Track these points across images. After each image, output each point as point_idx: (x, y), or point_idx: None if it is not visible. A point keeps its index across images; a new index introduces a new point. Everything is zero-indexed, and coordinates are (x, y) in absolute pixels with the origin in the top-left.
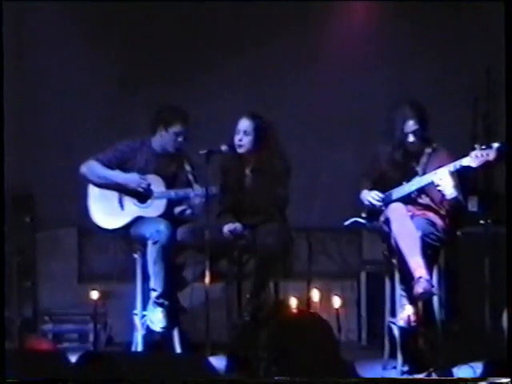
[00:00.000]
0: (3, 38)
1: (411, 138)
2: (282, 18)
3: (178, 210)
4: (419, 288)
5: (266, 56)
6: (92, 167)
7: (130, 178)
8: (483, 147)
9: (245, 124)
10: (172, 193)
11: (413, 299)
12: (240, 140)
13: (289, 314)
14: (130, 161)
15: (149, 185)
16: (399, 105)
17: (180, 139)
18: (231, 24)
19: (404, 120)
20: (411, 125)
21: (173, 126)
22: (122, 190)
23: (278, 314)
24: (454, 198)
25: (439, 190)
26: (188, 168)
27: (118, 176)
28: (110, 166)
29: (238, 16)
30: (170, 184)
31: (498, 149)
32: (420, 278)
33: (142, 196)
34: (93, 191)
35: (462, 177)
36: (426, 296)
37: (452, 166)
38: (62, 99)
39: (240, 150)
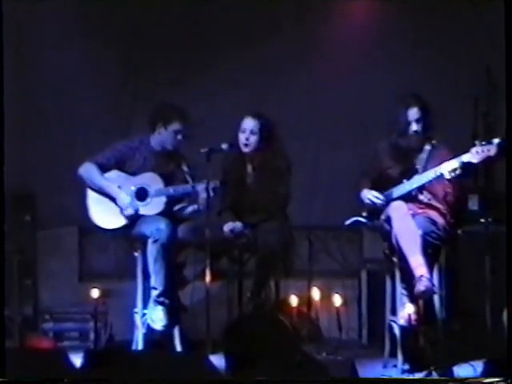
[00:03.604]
0: (3, 37)
1: (414, 127)
2: (282, 17)
3: (177, 207)
4: (421, 286)
5: (266, 55)
6: (89, 172)
7: (120, 198)
8: (483, 143)
9: (250, 123)
10: (171, 189)
11: (414, 298)
12: (247, 139)
13: None
14: (128, 160)
15: (132, 215)
16: (401, 95)
17: (179, 137)
18: (231, 24)
19: (407, 107)
20: (414, 112)
21: (172, 123)
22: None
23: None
24: (456, 175)
25: (439, 182)
26: (185, 168)
27: (111, 189)
28: (109, 167)
29: (238, 15)
30: (168, 182)
31: (499, 144)
32: (421, 276)
33: (141, 194)
34: (92, 192)
35: (462, 174)
36: (428, 294)
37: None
38: (62, 99)
39: (246, 150)
